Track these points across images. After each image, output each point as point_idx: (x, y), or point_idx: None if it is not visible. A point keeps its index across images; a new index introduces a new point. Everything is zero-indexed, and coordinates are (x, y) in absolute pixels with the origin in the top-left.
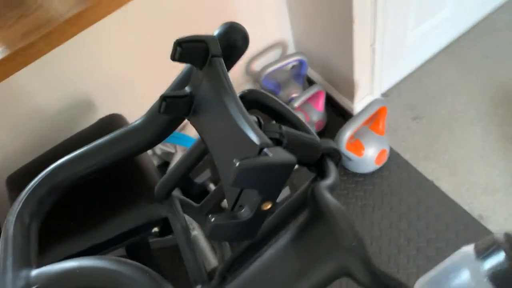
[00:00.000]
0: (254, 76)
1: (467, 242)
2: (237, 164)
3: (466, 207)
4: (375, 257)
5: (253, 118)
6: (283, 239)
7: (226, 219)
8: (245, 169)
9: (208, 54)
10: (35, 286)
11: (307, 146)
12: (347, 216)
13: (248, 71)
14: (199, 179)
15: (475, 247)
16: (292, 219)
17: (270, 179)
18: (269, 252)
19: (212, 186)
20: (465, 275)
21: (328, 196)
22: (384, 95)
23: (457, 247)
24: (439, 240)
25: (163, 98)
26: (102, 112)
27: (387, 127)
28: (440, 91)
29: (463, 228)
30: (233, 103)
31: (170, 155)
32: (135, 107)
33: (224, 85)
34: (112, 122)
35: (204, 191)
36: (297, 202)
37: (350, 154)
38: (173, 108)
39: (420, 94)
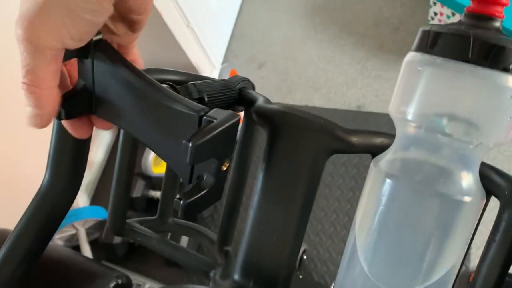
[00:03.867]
0: None
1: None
2: (190, 144)
3: (343, 107)
4: None
5: (167, 87)
6: (258, 180)
7: (195, 194)
8: (200, 145)
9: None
10: None
11: (225, 90)
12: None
13: None
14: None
15: None
16: (249, 159)
17: (222, 141)
18: (255, 199)
19: None
20: None
21: (273, 106)
22: (224, 62)
23: None
24: None
25: (63, 101)
26: None
27: None
28: (264, 33)
29: (359, 124)
30: (142, 82)
31: (74, 237)
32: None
33: (123, 64)
34: None
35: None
36: (246, 139)
37: None
38: (75, 109)
39: (251, 44)
